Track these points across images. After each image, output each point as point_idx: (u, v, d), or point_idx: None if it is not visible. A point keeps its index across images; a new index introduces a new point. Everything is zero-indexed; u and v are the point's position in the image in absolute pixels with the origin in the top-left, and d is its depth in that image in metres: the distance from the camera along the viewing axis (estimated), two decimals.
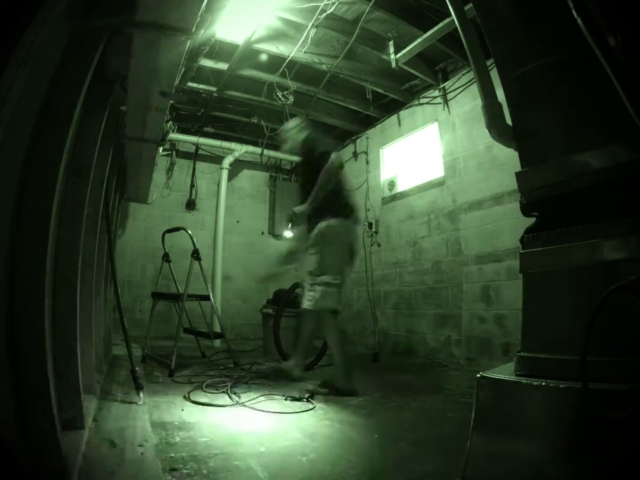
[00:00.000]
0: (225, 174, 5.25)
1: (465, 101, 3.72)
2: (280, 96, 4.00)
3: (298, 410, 1.99)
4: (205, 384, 2.38)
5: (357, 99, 4.40)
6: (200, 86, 4.09)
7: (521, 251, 1.12)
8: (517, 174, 1.18)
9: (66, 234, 1.44)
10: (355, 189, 5.15)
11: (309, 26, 3.16)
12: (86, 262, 1.73)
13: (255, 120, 4.83)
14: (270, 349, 3.52)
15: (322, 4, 2.96)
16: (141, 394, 2.03)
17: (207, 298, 3.38)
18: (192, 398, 2.12)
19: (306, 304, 2.46)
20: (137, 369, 2.12)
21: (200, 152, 5.37)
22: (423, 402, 2.27)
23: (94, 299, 1.96)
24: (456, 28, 1.53)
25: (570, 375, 0.87)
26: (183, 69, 2.89)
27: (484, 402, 1.05)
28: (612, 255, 0.93)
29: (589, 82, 1.04)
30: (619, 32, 0.97)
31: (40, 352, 1.00)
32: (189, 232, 3.32)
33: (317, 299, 2.37)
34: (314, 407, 2.08)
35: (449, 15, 2.34)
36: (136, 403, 1.93)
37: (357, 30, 3.19)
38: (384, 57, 3.54)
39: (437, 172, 4.06)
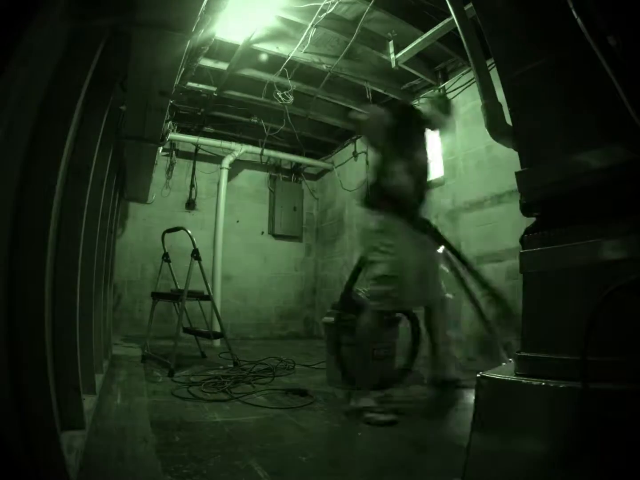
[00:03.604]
0: (225, 173, 5.25)
1: (465, 101, 3.71)
2: (280, 96, 4.00)
3: (299, 405, 2.05)
4: (204, 383, 2.39)
5: (357, 98, 4.39)
6: (200, 86, 4.09)
7: (521, 251, 1.12)
8: (517, 174, 1.18)
9: (66, 233, 1.44)
10: (354, 189, 5.17)
11: (309, 26, 3.16)
12: (86, 262, 1.73)
13: (255, 120, 4.83)
14: (336, 377, 2.51)
15: (322, 4, 2.96)
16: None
17: (207, 298, 3.38)
18: (192, 398, 2.12)
19: None
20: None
21: (200, 152, 5.37)
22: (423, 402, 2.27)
23: (93, 298, 1.96)
24: (456, 28, 1.52)
25: (570, 375, 0.87)
26: (183, 69, 2.89)
27: (484, 402, 1.05)
28: (612, 255, 0.93)
29: (589, 82, 1.04)
30: (619, 32, 0.97)
31: (40, 352, 1.00)
32: (189, 232, 3.32)
33: None
34: (313, 401, 2.12)
35: (449, 15, 2.33)
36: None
37: (357, 30, 3.19)
38: (384, 57, 3.54)
39: (437, 172, 4.06)
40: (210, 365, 3.16)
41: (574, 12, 0.96)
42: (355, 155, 5.24)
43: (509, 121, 1.25)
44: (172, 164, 5.25)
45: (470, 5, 1.53)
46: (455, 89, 3.82)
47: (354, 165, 5.28)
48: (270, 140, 5.09)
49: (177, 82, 2.02)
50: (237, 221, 5.58)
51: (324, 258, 5.92)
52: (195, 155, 5.39)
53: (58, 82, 1.12)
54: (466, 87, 3.69)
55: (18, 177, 1.00)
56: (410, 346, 2.67)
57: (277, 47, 3.49)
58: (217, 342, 4.17)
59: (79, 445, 1.24)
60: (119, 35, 1.47)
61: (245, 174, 5.75)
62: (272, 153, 5.41)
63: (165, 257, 3.66)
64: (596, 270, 0.96)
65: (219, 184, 5.26)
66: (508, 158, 2.92)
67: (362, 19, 3.12)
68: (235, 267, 5.37)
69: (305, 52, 3.51)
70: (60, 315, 1.38)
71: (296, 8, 3.06)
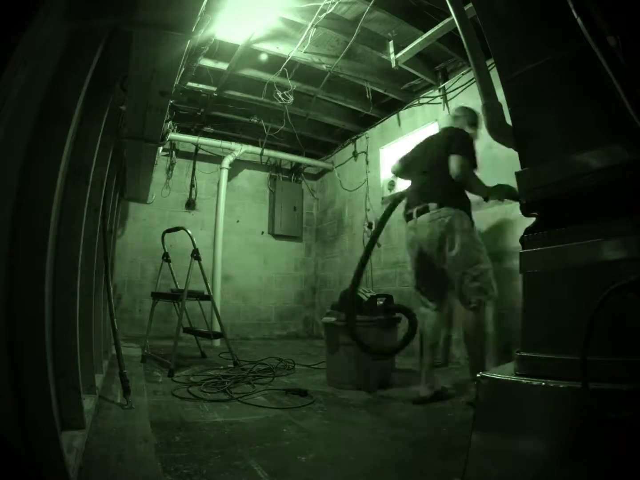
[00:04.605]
0: (225, 173, 5.25)
1: (465, 101, 3.70)
2: (280, 96, 4.00)
3: (299, 405, 2.05)
4: (204, 383, 2.39)
5: (357, 98, 4.40)
6: (200, 86, 4.08)
7: (521, 251, 1.12)
8: (517, 174, 1.18)
9: (66, 233, 1.44)
10: (354, 189, 5.17)
11: (309, 26, 3.16)
12: (86, 262, 1.73)
13: (255, 120, 4.83)
14: (340, 376, 2.55)
15: (322, 4, 2.95)
16: (128, 398, 1.94)
17: (207, 298, 3.38)
18: (192, 398, 2.12)
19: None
20: (125, 371, 2.03)
21: (200, 152, 5.37)
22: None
23: (93, 298, 1.96)
24: (456, 28, 1.52)
25: (570, 375, 0.87)
26: (183, 69, 2.89)
27: (484, 402, 1.05)
28: (612, 255, 0.93)
29: (589, 82, 1.04)
30: (619, 32, 0.97)
31: (40, 352, 1.00)
32: (189, 232, 3.32)
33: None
34: (313, 401, 2.13)
35: (449, 15, 2.33)
36: (122, 406, 1.88)
37: (357, 30, 3.19)
38: (384, 57, 3.54)
39: None
40: (210, 365, 3.16)
41: (574, 12, 0.96)
42: (355, 155, 5.24)
43: (509, 121, 1.25)
44: (172, 164, 5.24)
45: (470, 5, 1.53)
46: (455, 89, 3.82)
47: (354, 165, 5.27)
48: (270, 140, 5.09)
49: (177, 82, 2.02)
50: (237, 221, 5.58)
51: (324, 258, 5.92)
52: (195, 155, 5.38)
53: (58, 82, 1.12)
54: (466, 87, 3.69)
55: (18, 177, 1.00)
56: (405, 336, 2.57)
57: (277, 47, 3.49)
58: (217, 342, 4.17)
59: (79, 445, 1.24)
60: (119, 35, 1.47)
61: (245, 174, 5.75)
62: (272, 153, 5.41)
63: (165, 257, 3.67)
64: (596, 270, 0.96)
65: (219, 184, 5.26)
66: (508, 158, 2.92)
67: (362, 19, 3.11)
68: (235, 267, 5.37)
69: (305, 52, 3.51)
70: (60, 315, 1.38)
71: (296, 8, 3.06)
